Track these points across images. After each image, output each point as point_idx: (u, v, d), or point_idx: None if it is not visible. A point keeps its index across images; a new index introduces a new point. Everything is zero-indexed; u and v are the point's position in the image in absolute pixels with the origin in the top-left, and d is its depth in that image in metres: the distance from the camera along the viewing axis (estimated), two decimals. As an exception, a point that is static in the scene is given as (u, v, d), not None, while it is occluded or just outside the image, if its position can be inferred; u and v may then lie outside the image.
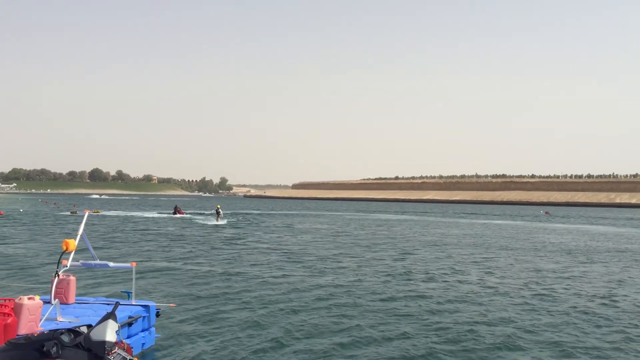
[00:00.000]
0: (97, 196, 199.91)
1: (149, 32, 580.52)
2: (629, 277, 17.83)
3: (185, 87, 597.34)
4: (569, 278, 17.42)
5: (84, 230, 8.68)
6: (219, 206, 49.37)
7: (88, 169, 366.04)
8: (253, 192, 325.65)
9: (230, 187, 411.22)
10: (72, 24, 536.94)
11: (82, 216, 9.26)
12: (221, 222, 44.64)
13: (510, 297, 13.83)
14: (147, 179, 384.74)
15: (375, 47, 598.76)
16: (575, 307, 12.67)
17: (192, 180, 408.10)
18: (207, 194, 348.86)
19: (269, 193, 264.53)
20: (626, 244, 31.28)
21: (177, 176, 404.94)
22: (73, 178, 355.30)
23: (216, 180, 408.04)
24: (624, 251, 27.28)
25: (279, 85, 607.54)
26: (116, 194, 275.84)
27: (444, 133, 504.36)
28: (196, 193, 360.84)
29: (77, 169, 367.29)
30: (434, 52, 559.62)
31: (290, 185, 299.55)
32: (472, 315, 11.59)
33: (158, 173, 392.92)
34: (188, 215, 57.91)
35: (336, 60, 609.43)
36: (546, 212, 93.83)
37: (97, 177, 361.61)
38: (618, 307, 12.84)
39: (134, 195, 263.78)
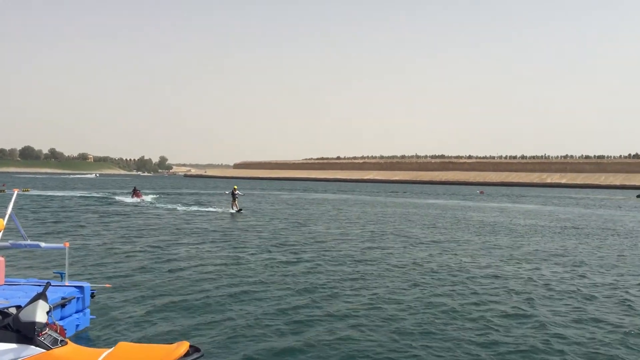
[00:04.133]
0: (93, 176, 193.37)
1: (85, 4, 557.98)
2: (514, 251, 18.97)
3: (122, 62, 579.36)
4: (448, 249, 18.64)
5: (13, 209, 8.41)
6: (235, 187, 37.86)
7: (19, 147, 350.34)
8: (194, 171, 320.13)
9: (170, 167, 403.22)
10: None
11: (11, 195, 8.95)
12: (238, 208, 35.42)
13: (375, 265, 15.15)
14: (83, 157, 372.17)
15: (318, 28, 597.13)
16: (424, 273, 14.16)
17: (130, 159, 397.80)
18: (146, 173, 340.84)
19: (210, 172, 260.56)
20: (541, 221, 32.91)
21: (114, 155, 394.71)
22: (2, 156, 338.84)
23: (155, 159, 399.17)
24: (532, 226, 29.06)
25: (221, 63, 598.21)
26: (49, 172, 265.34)
27: (385, 114, 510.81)
28: (134, 172, 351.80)
29: (7, 146, 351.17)
30: (376, 34, 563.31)
31: (232, 164, 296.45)
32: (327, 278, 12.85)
33: (94, 151, 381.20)
34: (149, 199, 48.67)
35: (280, 39, 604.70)
36: (481, 192, 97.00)
37: (28, 156, 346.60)
38: (473, 273, 14.11)
39: (68, 174, 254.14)
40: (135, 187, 53.27)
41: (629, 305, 11.15)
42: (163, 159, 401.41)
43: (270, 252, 17.64)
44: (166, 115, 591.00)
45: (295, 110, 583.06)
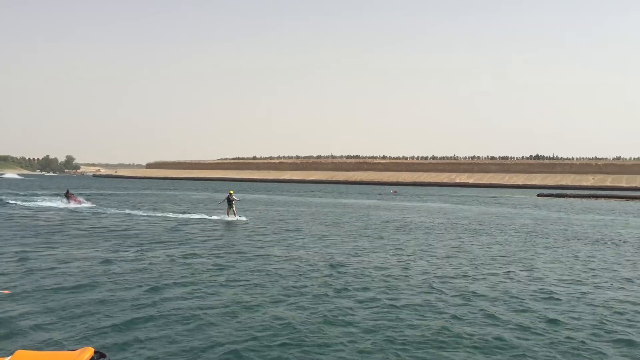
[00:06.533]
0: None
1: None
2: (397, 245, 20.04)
3: (24, 53, 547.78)
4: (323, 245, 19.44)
5: None
6: (231, 192, 32.99)
7: None
8: (103, 171, 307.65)
9: (77, 166, 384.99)
10: None
11: None
12: (237, 217, 31.42)
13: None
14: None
15: (234, 26, 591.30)
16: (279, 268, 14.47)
17: (34, 159, 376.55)
18: (52, 173, 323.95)
19: (120, 172, 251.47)
20: (442, 218, 34.54)
21: (16, 153, 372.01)
22: None
23: (61, 159, 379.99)
24: (433, 223, 30.31)
25: (132, 58, 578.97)
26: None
27: (300, 114, 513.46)
28: (38, 172, 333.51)
29: None
30: (292, 33, 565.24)
31: (145, 164, 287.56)
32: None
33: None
34: (89, 205, 40.50)
35: (193, 35, 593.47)
36: (394, 192, 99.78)
37: None
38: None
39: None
40: (68, 190, 44.65)
41: (506, 295, 12.14)
42: (70, 158, 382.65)
43: (173, 250, 17.57)
44: (73, 112, 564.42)
45: (211, 109, 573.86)
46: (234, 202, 31.80)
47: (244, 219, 31.26)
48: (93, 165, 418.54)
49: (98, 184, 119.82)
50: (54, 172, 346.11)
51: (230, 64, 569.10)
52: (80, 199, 42.49)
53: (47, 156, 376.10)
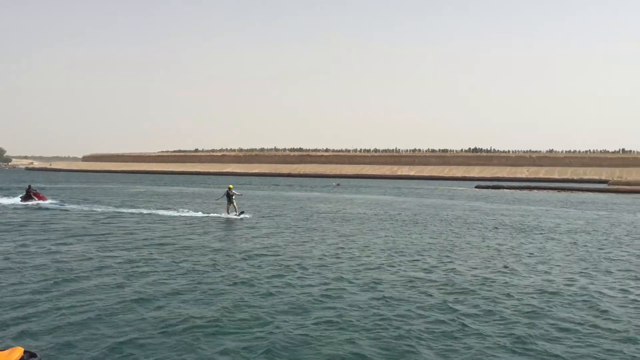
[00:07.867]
0: None
1: None
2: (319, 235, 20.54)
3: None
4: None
5: None
6: (231, 186, 30.59)
7: None
8: (37, 164, 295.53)
9: (8, 159, 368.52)
10: None
11: None
12: (237, 213, 28.90)
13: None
14: None
15: (171, 25, 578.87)
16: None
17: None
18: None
19: (55, 166, 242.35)
20: (379, 210, 35.29)
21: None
22: None
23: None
24: (366, 214, 30.92)
25: (62, 45, 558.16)
26: None
27: (243, 106, 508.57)
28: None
29: None
30: (236, 30, 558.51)
31: (81, 157, 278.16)
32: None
33: None
34: (51, 202, 36.49)
35: (124, 24, 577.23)
36: (337, 184, 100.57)
37: None
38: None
39: None
40: (30, 186, 38.52)
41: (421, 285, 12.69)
42: (0, 151, 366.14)
43: (93, 244, 17.43)
44: (3, 102, 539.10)
45: (151, 101, 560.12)
46: (234, 197, 29.62)
47: (247, 215, 29.01)
48: (26, 158, 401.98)
49: (31, 178, 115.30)
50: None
51: (172, 55, 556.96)
52: (46, 198, 37.48)
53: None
